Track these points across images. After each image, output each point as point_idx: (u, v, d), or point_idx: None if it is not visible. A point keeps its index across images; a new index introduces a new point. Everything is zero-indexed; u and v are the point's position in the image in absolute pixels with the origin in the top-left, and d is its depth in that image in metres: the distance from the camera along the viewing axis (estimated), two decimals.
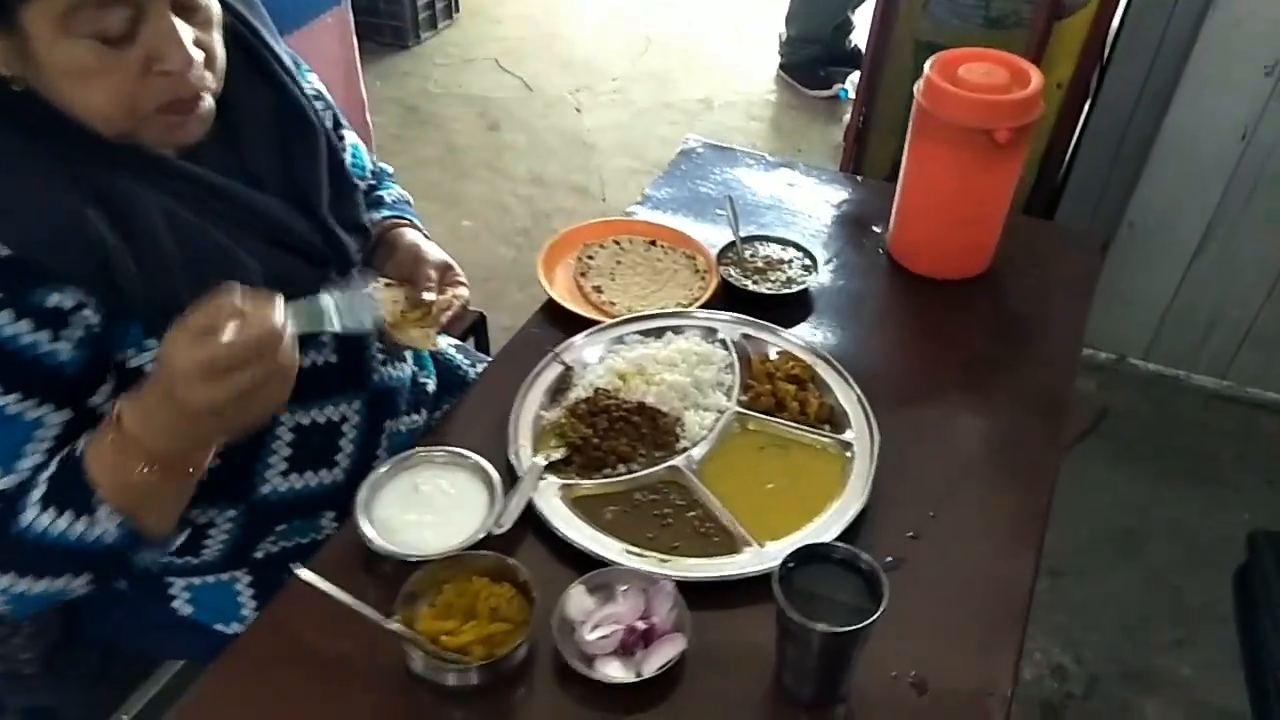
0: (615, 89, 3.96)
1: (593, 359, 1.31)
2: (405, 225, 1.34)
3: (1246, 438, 2.46)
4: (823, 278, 1.46)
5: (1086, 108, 2.44)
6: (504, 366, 1.33)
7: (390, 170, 1.52)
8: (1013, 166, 1.37)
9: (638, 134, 3.68)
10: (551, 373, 1.28)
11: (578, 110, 3.82)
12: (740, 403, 1.24)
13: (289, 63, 1.16)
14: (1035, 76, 1.33)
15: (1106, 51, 2.36)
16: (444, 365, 1.51)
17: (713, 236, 1.53)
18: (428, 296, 1.19)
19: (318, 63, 2.28)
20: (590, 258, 1.49)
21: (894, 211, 1.50)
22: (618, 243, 1.52)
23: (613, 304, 1.40)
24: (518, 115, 3.78)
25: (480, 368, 1.52)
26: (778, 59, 3.99)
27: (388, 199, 1.41)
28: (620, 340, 1.33)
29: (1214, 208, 2.32)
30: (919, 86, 1.36)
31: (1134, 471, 2.38)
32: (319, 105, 1.21)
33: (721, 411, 1.22)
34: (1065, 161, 2.51)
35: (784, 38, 3.92)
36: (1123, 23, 2.26)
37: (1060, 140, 2.46)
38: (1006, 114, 1.29)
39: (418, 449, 1.16)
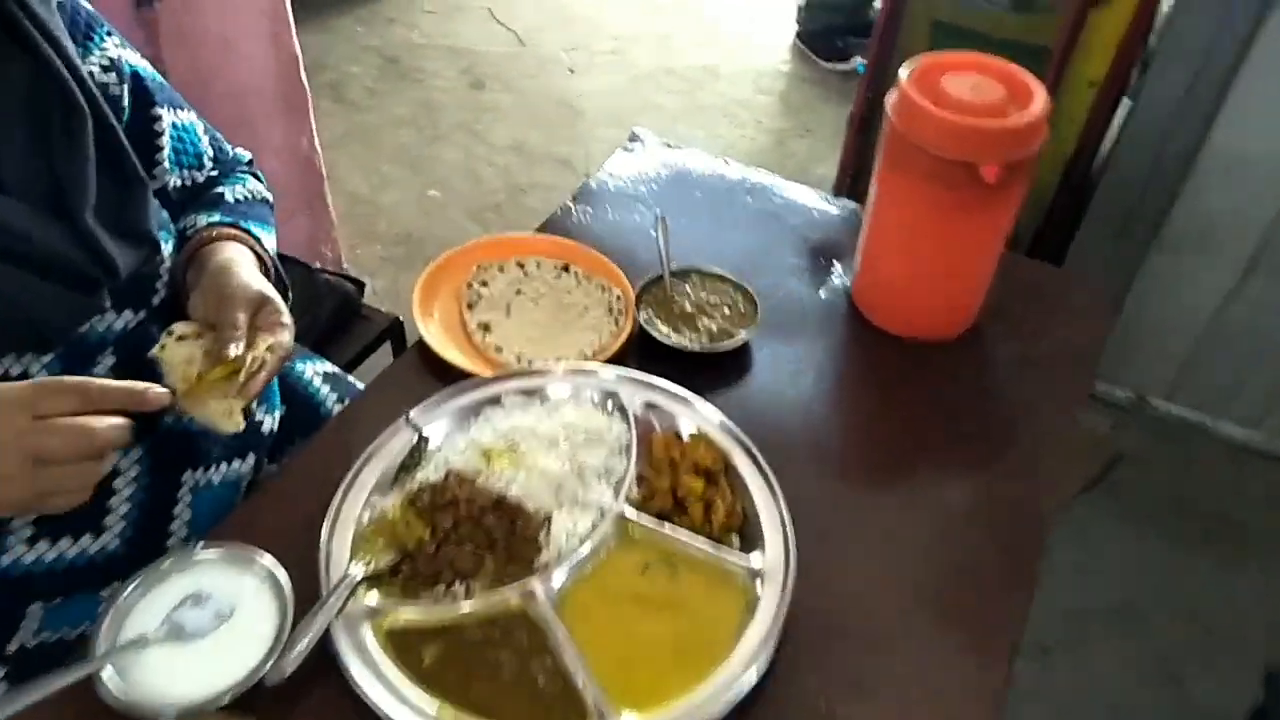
0: (614, 49, 3.64)
1: (455, 427, 1.04)
2: (231, 235, 1.07)
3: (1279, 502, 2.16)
4: (765, 329, 1.18)
5: (1124, 111, 2.12)
6: (345, 428, 1.07)
7: (247, 157, 1.25)
8: (1004, 211, 1.08)
9: (633, 102, 3.37)
10: (402, 441, 1.02)
11: (571, 71, 3.51)
12: (630, 501, 0.97)
13: (56, 26, 0.90)
14: (1039, 96, 1.03)
15: (1148, 47, 2.04)
16: (299, 395, 1.25)
17: (644, 263, 1.25)
18: (232, 351, 0.92)
19: (239, 15, 2.01)
20: (484, 284, 1.22)
21: (859, 250, 1.21)
22: (522, 265, 1.25)
23: (498, 349, 1.14)
24: (505, 73, 3.48)
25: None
26: (795, 26, 3.66)
27: (229, 197, 1.15)
28: (496, 402, 1.06)
29: (1261, 235, 2.00)
30: (891, 98, 1.07)
31: (1144, 532, 2.09)
32: (109, 79, 0.96)
33: (603, 513, 0.96)
34: (1093, 168, 2.19)
35: (802, 3, 3.58)
36: (1169, 14, 1.93)
37: (1088, 144, 2.14)
38: (997, 145, 1.00)
39: (189, 549, 0.90)
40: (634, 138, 1.50)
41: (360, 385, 1.34)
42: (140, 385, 0.84)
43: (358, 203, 2.85)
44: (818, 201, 1.40)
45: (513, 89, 3.40)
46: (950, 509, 1.02)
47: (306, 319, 1.67)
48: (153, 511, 1.03)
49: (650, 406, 1.06)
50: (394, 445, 1.02)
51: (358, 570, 0.90)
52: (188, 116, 1.12)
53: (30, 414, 0.77)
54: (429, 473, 0.99)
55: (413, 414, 1.03)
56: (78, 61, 0.92)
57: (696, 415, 1.05)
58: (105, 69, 0.97)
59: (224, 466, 1.10)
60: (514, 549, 0.93)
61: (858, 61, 3.45)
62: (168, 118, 1.06)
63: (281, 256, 1.75)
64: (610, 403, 1.07)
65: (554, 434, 1.02)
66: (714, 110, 3.36)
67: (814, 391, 1.14)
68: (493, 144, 3.14)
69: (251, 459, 1.14)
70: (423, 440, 1.03)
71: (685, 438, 1.04)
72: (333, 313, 1.69)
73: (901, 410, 1.13)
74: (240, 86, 1.97)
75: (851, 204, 1.39)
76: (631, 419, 1.04)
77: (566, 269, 1.24)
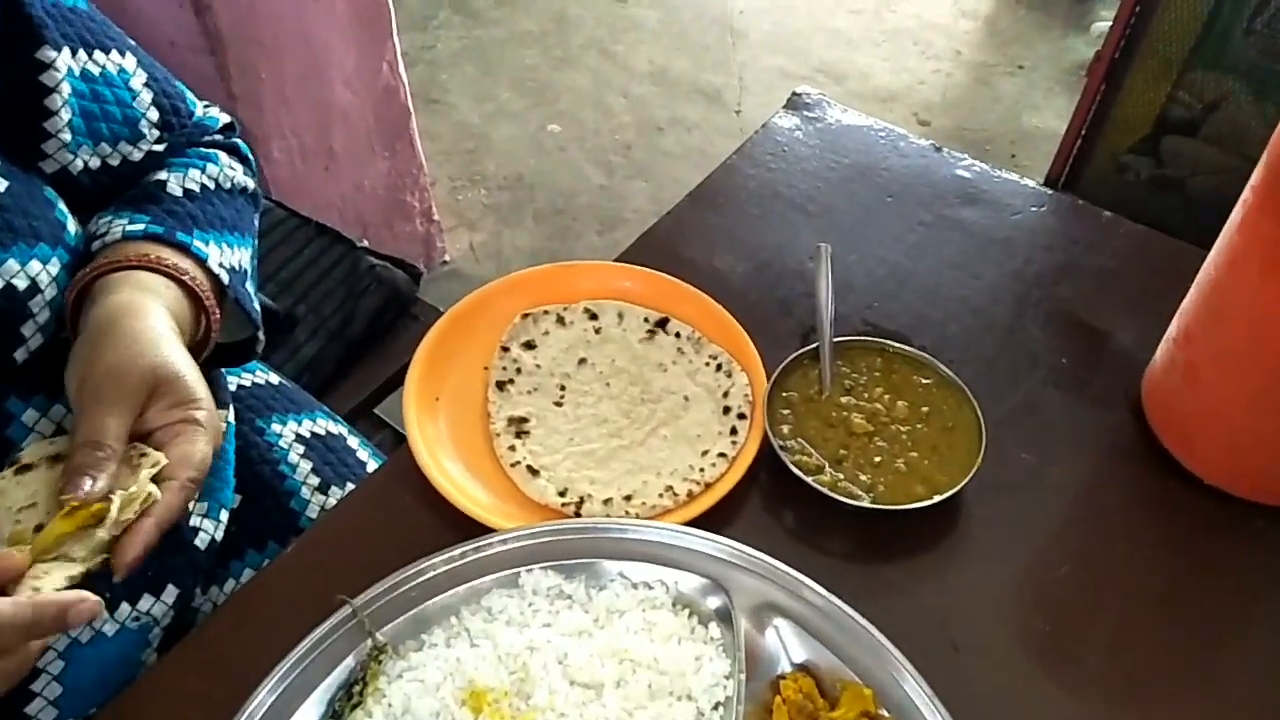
0: None
1: (436, 623, 0.61)
2: (148, 260, 0.67)
3: None
4: (992, 466, 0.68)
5: None
6: (282, 576, 0.65)
7: (221, 122, 0.84)
8: None
9: (803, 23, 2.79)
10: (344, 645, 0.60)
11: None
12: None
13: None
14: None
15: None
16: (263, 477, 0.86)
17: (790, 320, 0.77)
18: (84, 489, 0.56)
19: None
20: (529, 347, 0.76)
21: (1170, 339, 0.69)
22: (594, 316, 0.78)
23: (533, 472, 0.69)
24: None
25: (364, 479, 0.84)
26: None
27: (173, 187, 0.75)
28: (511, 584, 0.62)
29: None
30: None
31: None
32: None
33: None
34: None
35: None
36: None
37: None
38: None
39: None
40: (796, 101, 0.99)
41: (366, 457, 0.93)
42: (57, 600, 0.52)
43: (465, 135, 2.42)
44: (1083, 223, 0.87)
45: (662, 3, 2.88)
46: None
47: (340, 316, 1.26)
48: None
49: (771, 611, 0.60)
50: (334, 652, 0.59)
51: None
52: (118, 61, 0.72)
53: None
54: None
55: (358, 602, 0.60)
56: None
57: (857, 643, 0.58)
58: None
59: (123, 609, 0.71)
60: None
61: None
62: (67, 63, 0.68)
63: (321, 228, 1.36)
64: (707, 603, 0.61)
65: (597, 673, 0.57)
66: (902, 36, 2.75)
67: (1076, 598, 0.64)
68: (630, 69, 2.65)
69: (173, 593, 0.74)
70: (377, 651, 0.60)
71: (835, 696, 0.57)
72: (376, 311, 1.27)
73: (1234, 642, 0.62)
74: None
75: (1140, 234, 0.86)
76: (740, 648, 0.58)
77: (663, 326, 0.77)
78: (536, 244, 2.15)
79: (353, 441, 0.95)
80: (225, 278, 0.73)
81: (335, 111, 1.68)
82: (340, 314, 1.27)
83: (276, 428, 0.90)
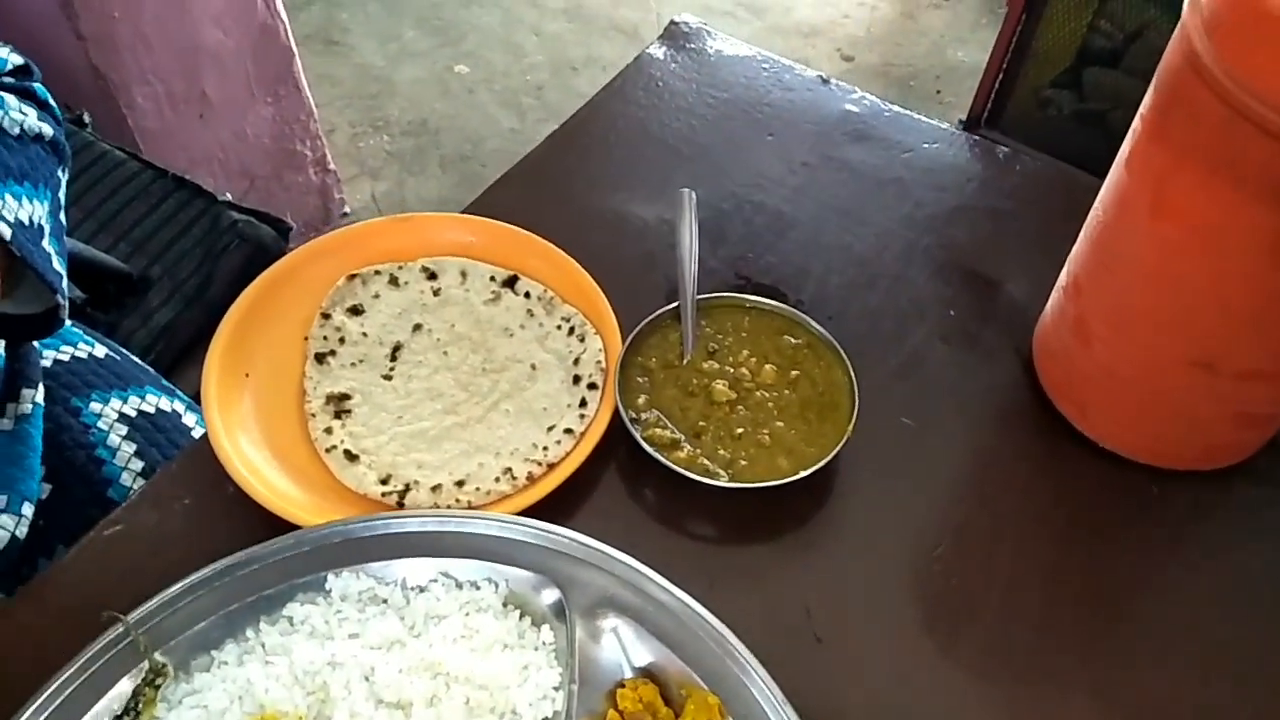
0: None
1: (227, 635, 0.53)
2: None
3: None
4: (869, 432, 0.61)
5: None
6: (20, 619, 0.57)
7: (11, 63, 0.74)
8: None
9: None
10: (116, 669, 0.51)
11: None
12: None
13: None
14: None
15: None
16: (76, 463, 0.77)
17: (655, 276, 0.70)
18: None
19: None
20: (355, 312, 0.68)
21: (1060, 288, 0.63)
22: (432, 275, 0.70)
23: (350, 460, 0.60)
24: None
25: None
26: None
27: None
28: (317, 589, 0.54)
29: None
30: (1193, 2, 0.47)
31: None
32: None
33: None
34: None
35: None
36: None
37: None
38: None
39: None
40: (673, 31, 0.90)
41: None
42: None
43: (367, 79, 2.29)
44: (979, 160, 0.80)
45: None
46: None
47: (198, 278, 1.16)
48: None
49: (612, 609, 0.52)
50: (108, 668, 0.51)
51: None
52: None
53: None
54: None
55: (133, 618, 0.51)
56: None
57: (707, 646, 0.51)
58: None
59: None
60: None
61: None
62: None
63: (179, 181, 1.24)
64: (541, 602, 0.53)
65: (406, 690, 0.50)
66: None
67: (955, 579, 0.58)
68: (542, 5, 2.51)
69: None
70: (157, 671, 0.51)
71: (682, 704, 0.51)
72: (239, 271, 1.17)
73: (1127, 616, 0.57)
74: None
75: (1037, 164, 0.79)
76: (574, 655, 0.51)
77: (512, 285, 0.69)
78: (443, 192, 2.04)
79: (189, 419, 0.86)
80: (7, 233, 0.63)
81: (205, 53, 1.54)
82: (198, 275, 1.16)
83: (96, 406, 0.80)
